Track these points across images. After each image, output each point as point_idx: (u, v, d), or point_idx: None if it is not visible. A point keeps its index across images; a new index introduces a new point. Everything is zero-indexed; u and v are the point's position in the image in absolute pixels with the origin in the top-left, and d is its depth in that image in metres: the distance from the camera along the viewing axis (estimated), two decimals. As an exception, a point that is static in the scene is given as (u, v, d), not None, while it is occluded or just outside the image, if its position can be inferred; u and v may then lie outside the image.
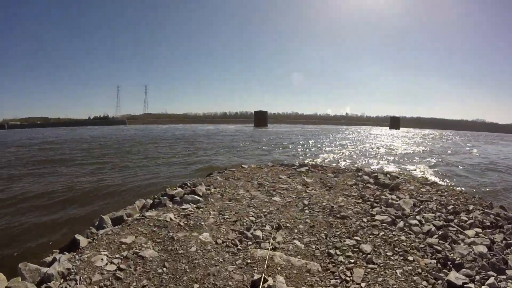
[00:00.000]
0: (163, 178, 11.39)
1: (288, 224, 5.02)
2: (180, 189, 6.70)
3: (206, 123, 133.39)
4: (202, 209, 5.49)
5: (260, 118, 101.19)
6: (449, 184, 9.95)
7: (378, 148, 26.70)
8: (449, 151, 25.79)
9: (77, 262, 3.61)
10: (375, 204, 6.19)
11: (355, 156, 19.36)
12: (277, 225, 4.93)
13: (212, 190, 6.86)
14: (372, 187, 7.82)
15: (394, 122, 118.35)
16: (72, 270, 3.43)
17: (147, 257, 3.70)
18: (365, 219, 5.28)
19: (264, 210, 5.68)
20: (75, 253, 3.90)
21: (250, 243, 4.28)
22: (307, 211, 5.73)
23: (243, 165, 10.51)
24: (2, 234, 6.32)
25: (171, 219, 4.84)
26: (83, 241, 4.46)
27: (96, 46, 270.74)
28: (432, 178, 11.19)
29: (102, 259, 3.64)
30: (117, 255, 3.74)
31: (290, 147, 25.23)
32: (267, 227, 4.84)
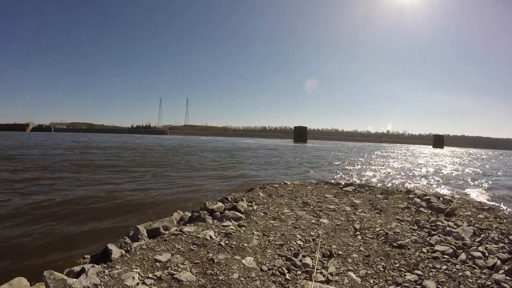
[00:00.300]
0: (203, 190, 11.03)
1: (340, 252, 4.37)
2: (220, 204, 6.24)
3: (246, 136, 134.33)
4: (244, 228, 4.97)
5: (300, 134, 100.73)
6: (507, 210, 8.76)
7: (423, 167, 25.06)
8: (500, 172, 23.79)
9: (106, 277, 3.19)
10: (433, 232, 5.43)
11: (400, 176, 18.13)
12: (328, 252, 4.29)
13: (255, 207, 6.34)
14: (425, 211, 7.04)
15: (438, 141, 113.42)
16: (100, 287, 3.03)
17: (183, 280, 3.20)
18: (424, 250, 4.56)
19: (312, 233, 5.06)
20: (105, 266, 3.52)
21: (299, 272, 3.69)
22: (359, 237, 5.04)
23: (285, 182, 9.95)
24: (35, 237, 6.15)
25: (211, 237, 4.36)
26: (115, 251, 4.11)
27: (141, 60, 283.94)
28: (488, 203, 9.98)
29: (133, 277, 3.20)
30: (151, 275, 3.28)
31: (332, 163, 24.29)
32: (317, 254, 4.21)
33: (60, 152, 24.95)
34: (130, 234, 5.19)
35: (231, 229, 4.81)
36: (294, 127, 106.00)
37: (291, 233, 4.96)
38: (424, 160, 36.18)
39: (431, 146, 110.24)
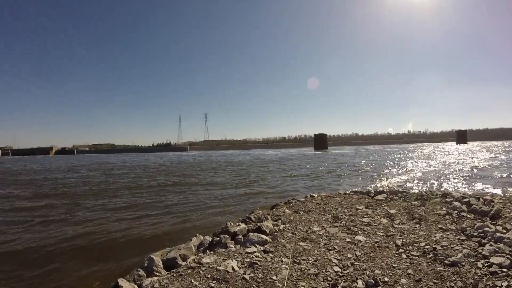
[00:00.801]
0: (225, 207, 10.41)
1: (386, 278, 3.65)
2: (243, 225, 5.62)
3: (266, 148, 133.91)
4: (271, 254, 4.32)
5: (320, 141, 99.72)
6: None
7: (452, 166, 23.76)
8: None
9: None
10: (483, 241, 4.67)
11: (430, 177, 17.01)
12: (372, 281, 3.59)
13: (281, 226, 5.68)
14: (468, 216, 6.22)
15: (461, 136, 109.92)
16: None
17: (201, 332, 2.60)
18: (479, 264, 3.82)
19: (349, 255, 4.35)
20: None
21: (342, 311, 3.01)
22: (404, 256, 4.29)
23: (311, 194, 9.25)
24: (44, 263, 5.75)
25: (233, 268, 3.75)
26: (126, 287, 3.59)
27: (158, 78, 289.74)
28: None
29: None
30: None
31: (357, 170, 23.26)
32: (360, 284, 3.52)
33: (82, 175, 25.09)
34: (145, 265, 4.64)
35: (256, 256, 4.18)
36: (314, 134, 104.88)
37: (325, 257, 4.28)
38: (450, 157, 34.57)
39: (454, 143, 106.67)
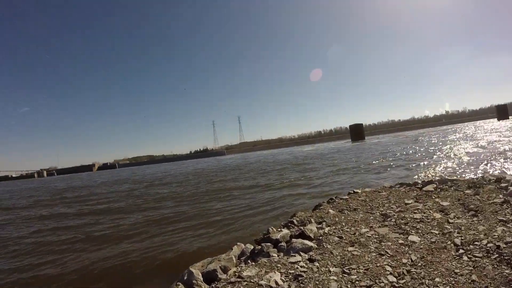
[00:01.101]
0: (267, 211, 10.06)
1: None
2: (285, 231, 5.24)
3: (303, 144, 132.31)
4: (317, 263, 3.91)
5: (357, 132, 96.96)
6: None
7: (496, 145, 22.06)
8: None
9: None
10: None
11: (477, 160, 15.80)
12: (434, 291, 3.09)
13: (326, 229, 5.23)
14: None
15: (502, 112, 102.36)
16: None
17: None
18: None
19: (404, 260, 3.82)
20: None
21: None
22: (465, 258, 3.70)
23: (355, 190, 8.66)
24: (80, 274, 5.71)
25: (276, 283, 3.38)
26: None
27: (187, 87, 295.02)
28: None
29: None
30: None
31: (398, 159, 22.15)
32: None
33: (124, 188, 25.80)
34: (184, 279, 4.41)
35: (301, 266, 3.80)
36: (350, 125, 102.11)
37: (377, 264, 3.79)
38: (494, 136, 32.19)
39: (496, 119, 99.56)
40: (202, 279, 4.34)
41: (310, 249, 4.36)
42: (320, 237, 4.85)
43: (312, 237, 4.86)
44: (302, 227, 5.29)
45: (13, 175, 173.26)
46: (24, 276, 6.61)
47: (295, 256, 4.15)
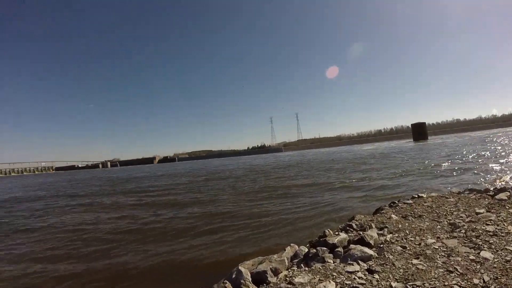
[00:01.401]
0: (325, 212, 9.57)
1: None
2: (343, 235, 4.82)
3: (362, 143, 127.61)
4: (377, 276, 3.45)
5: (419, 131, 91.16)
6: None
7: None
8: None
9: None
10: None
11: None
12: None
13: (388, 237, 4.71)
14: None
15: None
16: None
17: None
18: None
19: (475, 280, 3.20)
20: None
21: None
22: None
23: (419, 194, 7.88)
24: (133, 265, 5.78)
25: (331, 294, 3.03)
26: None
27: (245, 85, 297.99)
28: None
29: None
30: None
31: (465, 162, 20.10)
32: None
33: (183, 181, 26.66)
34: (232, 277, 4.23)
35: (359, 278, 3.38)
36: (412, 124, 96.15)
37: (445, 282, 3.22)
38: None
39: None
40: (250, 279, 4.13)
41: (369, 258, 3.92)
42: (381, 245, 4.37)
43: (372, 244, 4.40)
44: (361, 232, 4.86)
45: (79, 165, 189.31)
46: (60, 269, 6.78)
47: (352, 264, 3.74)
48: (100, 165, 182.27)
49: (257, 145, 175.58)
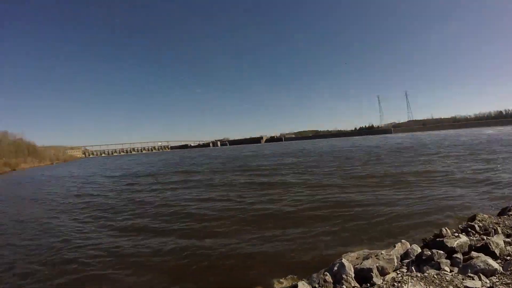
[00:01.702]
0: (442, 207, 8.39)
1: None
2: (464, 238, 4.21)
3: (480, 126, 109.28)
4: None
5: None
6: None
7: None
8: None
9: None
10: None
11: None
12: None
13: (518, 247, 3.98)
14: None
15: None
16: None
17: None
18: None
19: None
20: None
21: None
22: None
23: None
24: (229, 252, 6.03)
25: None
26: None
27: (348, 61, 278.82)
28: None
29: None
30: None
31: None
32: None
33: (290, 162, 26.80)
34: (334, 270, 4.15)
35: (482, 297, 2.94)
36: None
37: None
38: None
39: None
40: (353, 275, 3.99)
41: (493, 273, 3.35)
42: (508, 258, 3.70)
43: (498, 254, 3.77)
44: (486, 237, 4.23)
45: (191, 144, 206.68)
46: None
47: (473, 278, 3.25)
48: (211, 144, 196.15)
49: (365, 126, 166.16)
